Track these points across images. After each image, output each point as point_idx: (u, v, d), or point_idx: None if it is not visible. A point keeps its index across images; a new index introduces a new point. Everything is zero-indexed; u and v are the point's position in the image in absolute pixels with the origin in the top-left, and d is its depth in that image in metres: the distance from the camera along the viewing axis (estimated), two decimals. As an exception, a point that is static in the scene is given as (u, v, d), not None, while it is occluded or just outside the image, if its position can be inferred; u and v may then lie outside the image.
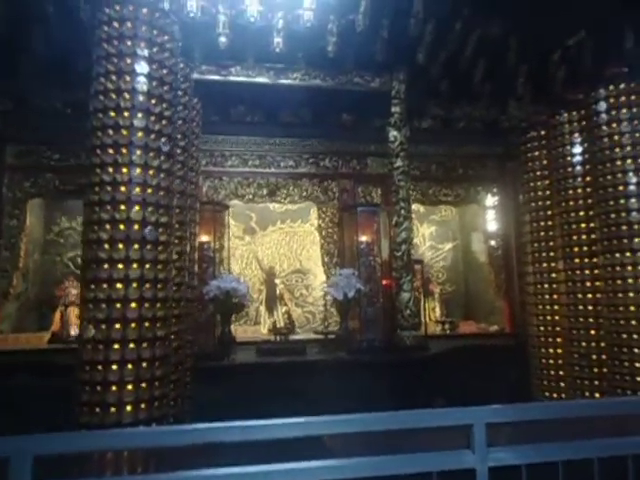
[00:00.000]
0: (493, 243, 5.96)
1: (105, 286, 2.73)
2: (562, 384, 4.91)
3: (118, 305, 2.73)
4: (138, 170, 2.85)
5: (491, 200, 6.09)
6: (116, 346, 2.69)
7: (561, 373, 4.92)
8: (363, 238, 5.18)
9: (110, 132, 2.86)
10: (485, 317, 6.40)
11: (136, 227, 2.81)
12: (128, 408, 2.66)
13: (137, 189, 2.84)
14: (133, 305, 2.73)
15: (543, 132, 5.29)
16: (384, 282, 5.04)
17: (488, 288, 6.42)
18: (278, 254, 6.76)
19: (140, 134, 2.88)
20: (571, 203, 4.72)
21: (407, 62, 5.14)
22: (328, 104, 5.46)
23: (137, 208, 2.81)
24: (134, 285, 2.75)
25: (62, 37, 4.92)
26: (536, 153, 5.31)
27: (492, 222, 6.05)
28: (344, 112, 5.64)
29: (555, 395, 4.92)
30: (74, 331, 5.34)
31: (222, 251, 5.13)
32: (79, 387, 2.75)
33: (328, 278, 5.66)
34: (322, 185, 5.71)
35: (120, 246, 2.76)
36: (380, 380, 4.75)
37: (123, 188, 2.81)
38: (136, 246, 2.79)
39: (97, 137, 2.89)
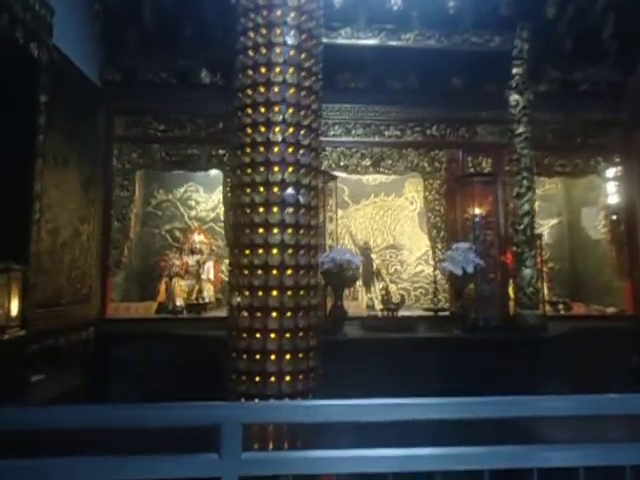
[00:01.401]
0: (615, 218, 5.45)
1: (257, 251, 2.61)
2: None
3: (274, 272, 2.60)
4: (291, 130, 2.68)
5: (612, 171, 5.55)
6: (274, 314, 2.57)
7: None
8: (477, 210, 4.85)
9: (261, 89, 2.69)
10: (598, 298, 5.92)
11: (290, 190, 2.66)
12: (287, 378, 2.55)
13: (290, 149, 2.67)
14: (289, 272, 2.59)
15: (686, 93, 4.71)
16: (503, 257, 4.70)
17: (603, 267, 5.92)
18: (372, 229, 6.54)
19: (292, 90, 2.70)
20: None
21: (532, 18, 4.69)
22: (438, 68, 5.11)
23: (290, 170, 2.65)
24: (289, 251, 2.61)
25: (169, 5, 4.85)
26: (677, 117, 4.75)
27: (613, 196, 5.53)
28: (454, 76, 5.26)
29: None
30: (179, 302, 5.39)
31: (328, 223, 4.96)
32: (233, 355, 2.67)
33: (434, 253, 5.40)
34: (428, 155, 5.39)
35: (275, 209, 2.61)
36: (496, 360, 4.47)
37: (276, 149, 2.65)
38: (290, 210, 2.64)
39: (247, 95, 2.73)
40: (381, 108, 5.32)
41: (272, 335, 2.55)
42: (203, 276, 5.53)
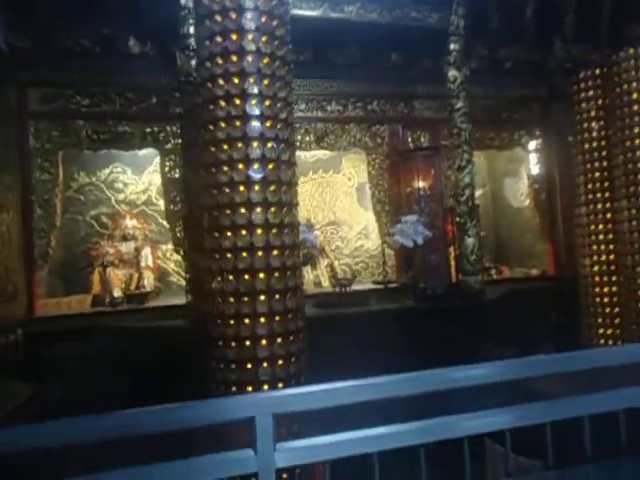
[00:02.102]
0: (537, 187, 5.93)
1: (240, 232, 2.47)
2: (618, 324, 5.05)
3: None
4: (267, 102, 2.53)
5: (533, 144, 6.01)
6: (262, 297, 2.45)
7: (617, 312, 5.05)
8: (421, 184, 5.01)
9: (233, 58, 2.50)
10: (521, 262, 6.46)
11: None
12: (280, 362, 2.46)
13: (268, 123, 2.53)
14: (275, 253, 2.48)
15: (597, 71, 5.19)
16: (449, 228, 4.92)
17: (524, 233, 6.45)
18: (311, 206, 6.50)
19: (266, 60, 2.54)
20: (637, 142, 4.69)
21: (467, -5, 4.85)
22: (378, 42, 5.11)
23: (269, 145, 2.51)
24: (274, 231, 2.49)
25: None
26: (590, 93, 5.22)
27: (535, 166, 5.99)
28: (393, 51, 5.32)
29: (610, 341, 5.05)
30: (117, 292, 4.99)
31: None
32: (214, 344, 2.52)
33: (380, 227, 5.50)
34: (370, 130, 5.43)
35: (257, 187, 2.47)
36: (446, 327, 4.72)
37: (254, 122, 2.49)
38: (272, 187, 2.51)
39: (217, 65, 2.52)
40: (323, 82, 5.24)
41: (262, 319, 2.44)
42: (142, 263, 5.14)
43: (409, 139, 5.51)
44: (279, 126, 2.56)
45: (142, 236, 5.64)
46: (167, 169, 4.88)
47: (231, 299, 2.45)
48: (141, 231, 5.65)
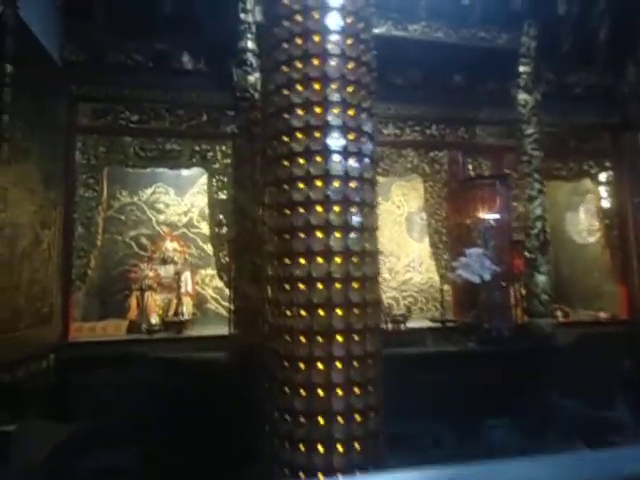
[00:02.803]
0: (607, 222, 5.44)
1: (316, 259, 2.11)
2: None
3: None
4: (351, 112, 2.21)
5: (604, 176, 5.55)
6: (339, 338, 2.07)
7: None
8: (485, 214, 4.60)
9: (314, 62, 2.20)
10: (585, 303, 5.90)
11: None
12: (357, 418, 2.05)
13: (351, 135, 2.20)
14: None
15: (682, 98, 4.76)
16: (516, 263, 4.48)
17: (590, 271, 5.92)
18: (358, 234, 6.14)
19: (351, 65, 2.23)
20: None
21: (541, 15, 4.53)
22: (441, 63, 4.83)
23: (352, 161, 2.18)
24: (354, 259, 2.13)
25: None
26: (673, 121, 4.77)
27: (605, 200, 5.52)
28: (456, 73, 5.02)
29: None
30: (154, 319, 4.68)
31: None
32: (278, 390, 2.14)
33: (437, 260, 5.08)
34: (428, 156, 5.09)
35: (336, 209, 2.12)
36: (512, 374, 4.23)
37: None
38: (354, 209, 2.16)
39: (295, 69, 2.22)
40: (380, 104, 4.92)
41: (338, 364, 2.05)
42: (182, 289, 4.84)
43: (469, 166, 5.13)
44: (362, 139, 2.23)
45: (182, 260, 5.37)
46: (214, 190, 4.62)
47: (302, 338, 2.07)
48: (181, 254, 5.39)
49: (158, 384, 4.23)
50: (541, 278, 4.33)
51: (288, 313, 2.14)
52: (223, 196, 4.60)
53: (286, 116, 2.23)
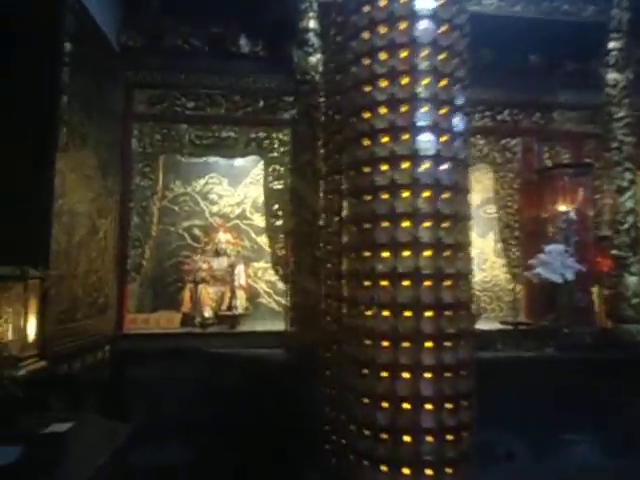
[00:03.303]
0: None
1: (401, 253, 1.83)
2: None
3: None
4: (443, 111, 1.91)
5: None
6: (428, 344, 1.79)
7: None
8: (567, 207, 4.16)
9: (401, 26, 1.91)
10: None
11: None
12: (449, 437, 1.77)
13: (442, 110, 1.90)
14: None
15: None
16: (602, 262, 4.02)
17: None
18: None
19: (443, 55, 1.93)
20: None
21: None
22: (515, 42, 4.39)
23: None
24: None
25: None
26: None
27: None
28: (531, 52, 4.58)
29: None
30: (208, 312, 4.54)
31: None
32: (355, 402, 1.88)
33: (508, 257, 4.68)
34: (499, 144, 4.68)
35: (426, 193, 1.83)
36: (596, 385, 3.80)
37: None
38: (447, 195, 1.86)
39: (378, 35, 1.94)
40: (447, 88, 4.58)
41: (427, 375, 1.77)
42: (235, 282, 4.67)
43: (545, 155, 4.68)
44: (456, 114, 1.93)
45: (235, 252, 5.21)
46: (270, 179, 4.42)
47: (384, 343, 1.80)
48: (234, 247, 5.23)
49: (212, 380, 4.08)
50: (632, 279, 3.86)
51: (368, 313, 1.88)
52: (280, 186, 4.39)
53: (367, 89, 1.96)
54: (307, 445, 3.33)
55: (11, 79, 2.25)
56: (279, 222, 4.34)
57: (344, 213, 2.08)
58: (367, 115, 1.95)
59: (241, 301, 4.66)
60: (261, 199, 5.58)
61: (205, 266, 4.76)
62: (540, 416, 3.65)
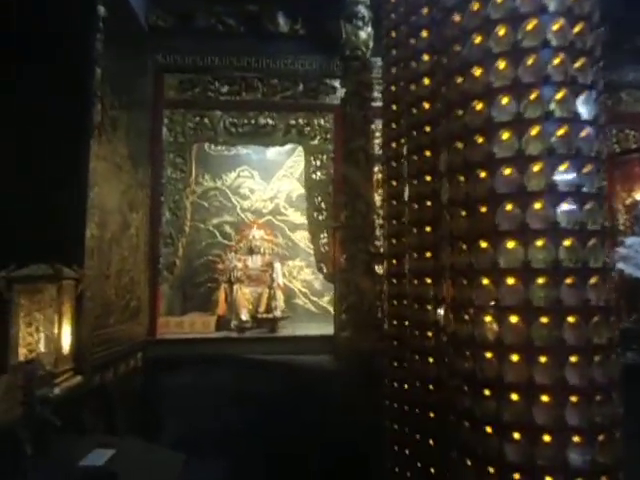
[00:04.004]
0: None
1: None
2: None
3: (569, 280, 1.42)
4: (576, 26, 1.51)
5: None
6: (573, 359, 1.39)
7: None
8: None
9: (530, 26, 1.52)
10: None
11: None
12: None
13: (577, 63, 1.51)
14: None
15: None
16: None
17: None
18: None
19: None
20: None
21: None
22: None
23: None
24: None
25: None
26: None
27: None
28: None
29: None
30: (244, 315, 4.19)
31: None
32: (456, 425, 1.50)
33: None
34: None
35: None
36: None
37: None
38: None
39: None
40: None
41: (573, 398, 1.37)
42: (275, 281, 4.32)
43: (613, 139, 4.24)
44: (588, 59, 1.53)
45: (269, 249, 4.87)
46: (311, 170, 4.05)
47: (513, 357, 1.41)
48: (269, 244, 4.89)
49: (250, 388, 3.74)
50: None
51: (486, 319, 1.49)
52: (322, 177, 4.02)
53: (477, 39, 1.57)
54: (359, 462, 2.98)
55: (42, 50, 1.92)
56: (322, 216, 3.96)
57: (443, 196, 1.70)
58: (476, 71, 1.57)
59: (280, 302, 4.30)
60: (295, 193, 5.25)
61: (240, 265, 4.42)
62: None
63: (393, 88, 2.60)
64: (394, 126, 2.58)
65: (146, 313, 3.68)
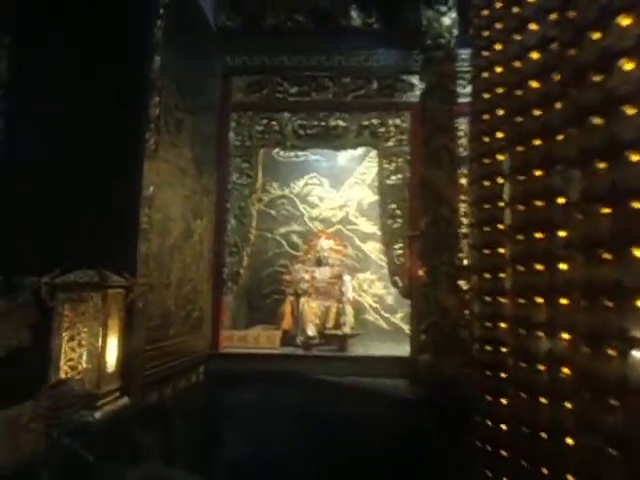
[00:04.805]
0: None
1: None
2: None
3: None
4: None
5: None
6: None
7: None
8: None
9: None
10: None
11: None
12: None
13: None
14: None
15: None
16: None
17: None
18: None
19: None
20: None
21: None
22: None
23: None
24: None
25: None
26: None
27: None
28: None
29: None
30: (311, 330, 3.90)
31: None
32: None
33: None
34: None
35: None
36: None
37: None
38: None
39: None
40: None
41: None
42: (344, 295, 4.00)
43: None
44: None
45: (338, 261, 4.57)
46: (386, 174, 3.71)
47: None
48: (338, 254, 4.59)
49: (316, 411, 3.42)
50: None
51: (610, 352, 1.07)
52: (398, 181, 3.66)
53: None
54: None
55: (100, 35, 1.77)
56: (397, 224, 3.60)
57: (572, 190, 1.29)
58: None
59: (349, 318, 3.96)
60: (366, 201, 4.94)
61: (307, 276, 4.15)
62: None
63: (485, 74, 2.25)
64: (486, 117, 2.23)
65: (209, 325, 3.50)
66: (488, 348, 2.10)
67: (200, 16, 3.29)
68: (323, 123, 3.74)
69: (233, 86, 3.80)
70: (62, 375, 1.51)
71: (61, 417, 1.14)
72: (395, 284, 3.57)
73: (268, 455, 3.43)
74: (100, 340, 1.54)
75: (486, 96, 2.24)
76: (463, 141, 3.54)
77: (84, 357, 1.51)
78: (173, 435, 2.70)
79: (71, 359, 1.52)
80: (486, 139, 2.22)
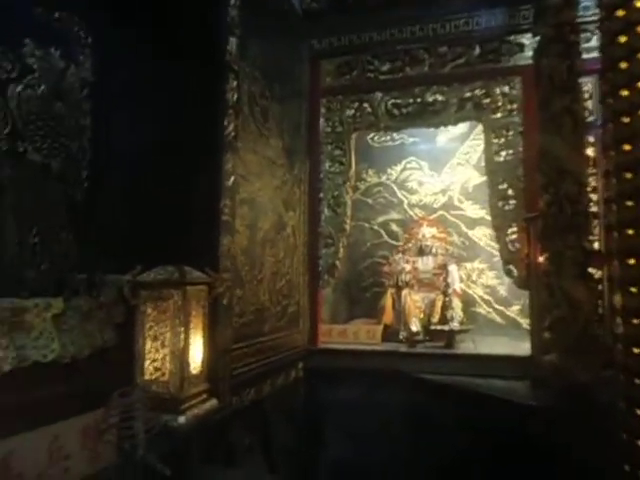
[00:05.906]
0: None
1: None
2: None
3: None
4: None
5: None
6: None
7: None
8: None
9: None
10: None
11: None
12: None
13: None
14: None
15: None
16: None
17: None
18: None
19: None
20: None
21: None
22: None
23: None
24: None
25: None
26: None
27: None
28: None
29: None
30: (415, 325, 3.61)
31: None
32: None
33: None
34: None
35: None
36: None
37: None
38: None
39: None
40: None
41: None
42: (449, 287, 3.65)
43: None
44: None
45: (442, 250, 4.21)
46: (494, 149, 3.28)
47: None
48: (441, 243, 4.23)
49: (420, 413, 3.15)
50: None
51: None
52: (508, 157, 3.22)
53: None
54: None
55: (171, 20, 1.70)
56: (509, 206, 3.17)
57: None
58: None
59: (457, 311, 3.61)
60: (472, 183, 4.49)
61: (408, 267, 3.86)
62: None
63: (620, 12, 1.83)
64: (623, 65, 1.82)
65: (306, 320, 3.38)
66: (636, 351, 1.71)
67: (287, 2, 3.16)
68: (419, 99, 3.41)
69: (321, 70, 3.62)
70: (147, 377, 1.45)
71: (133, 427, 1.06)
72: (509, 273, 3.15)
73: (371, 456, 3.25)
74: (182, 339, 1.45)
75: (622, 39, 1.83)
76: (588, 104, 3.03)
77: (167, 359, 1.43)
78: (272, 434, 2.61)
79: (155, 360, 1.46)
80: (625, 92, 1.81)
